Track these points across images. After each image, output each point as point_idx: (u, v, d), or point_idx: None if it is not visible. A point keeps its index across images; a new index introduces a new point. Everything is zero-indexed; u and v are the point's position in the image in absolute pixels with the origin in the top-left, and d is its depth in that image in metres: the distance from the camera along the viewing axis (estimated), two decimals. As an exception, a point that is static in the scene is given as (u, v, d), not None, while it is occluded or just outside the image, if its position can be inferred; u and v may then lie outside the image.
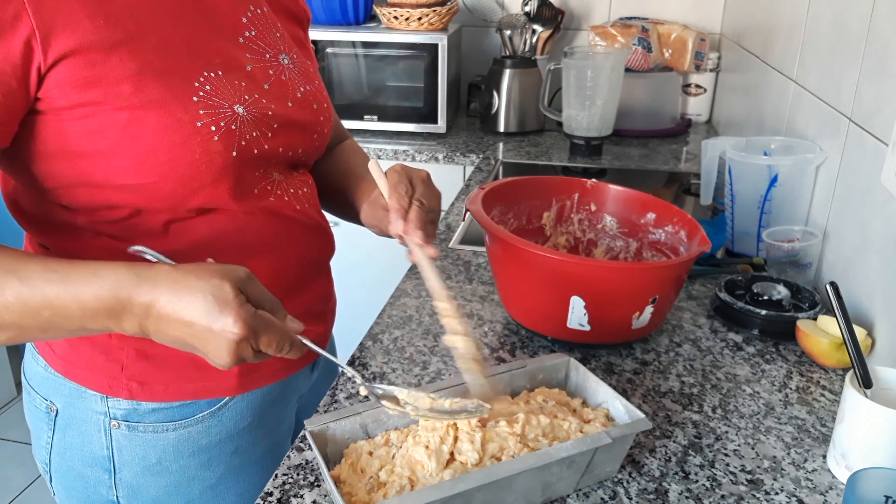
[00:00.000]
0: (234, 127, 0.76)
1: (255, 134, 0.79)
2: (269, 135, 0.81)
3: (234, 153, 0.77)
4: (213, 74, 0.76)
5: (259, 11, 0.85)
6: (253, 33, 0.83)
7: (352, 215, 0.99)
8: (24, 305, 0.63)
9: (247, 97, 0.78)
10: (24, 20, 0.65)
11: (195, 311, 0.62)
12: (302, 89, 0.87)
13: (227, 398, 0.86)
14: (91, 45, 0.68)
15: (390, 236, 0.85)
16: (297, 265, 0.88)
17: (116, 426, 0.83)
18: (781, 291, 1.09)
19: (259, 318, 0.64)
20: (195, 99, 0.74)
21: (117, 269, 0.63)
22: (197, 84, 0.74)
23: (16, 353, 2.70)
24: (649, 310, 0.96)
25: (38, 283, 0.63)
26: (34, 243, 0.84)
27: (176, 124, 0.73)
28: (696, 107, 2.31)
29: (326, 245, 0.95)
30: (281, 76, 0.84)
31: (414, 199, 0.82)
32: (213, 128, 0.75)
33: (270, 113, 0.81)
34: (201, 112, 0.74)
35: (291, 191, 0.87)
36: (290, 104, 0.84)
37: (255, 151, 0.79)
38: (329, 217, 0.98)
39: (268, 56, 0.84)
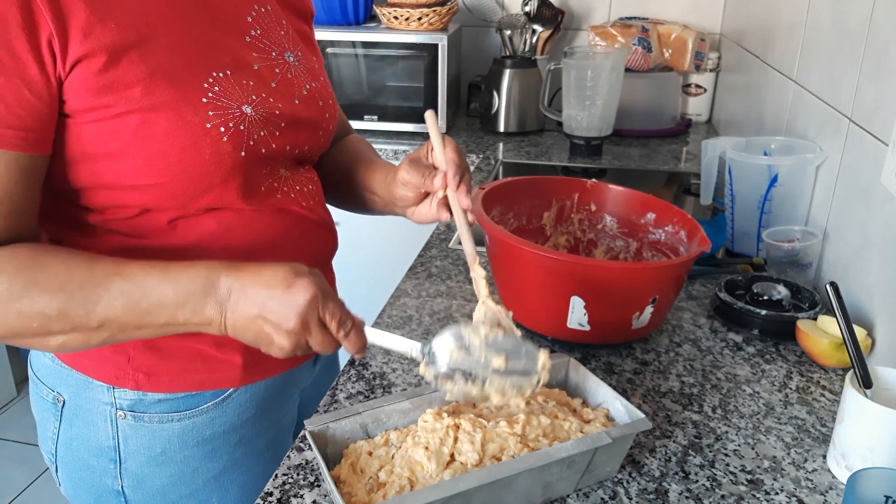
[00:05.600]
0: (242, 127, 0.77)
1: (262, 133, 0.79)
2: (277, 133, 0.82)
3: (243, 153, 0.77)
4: (221, 74, 0.76)
5: (263, 10, 0.85)
6: (258, 32, 0.83)
7: (359, 200, 0.99)
8: (127, 299, 0.69)
9: (254, 97, 0.79)
10: (44, 27, 0.66)
11: (273, 277, 0.69)
12: (308, 86, 0.87)
13: (231, 390, 0.87)
14: (103, 49, 0.69)
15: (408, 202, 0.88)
16: (302, 261, 0.88)
17: (122, 416, 0.84)
18: (781, 291, 1.09)
19: (328, 287, 0.70)
20: (204, 100, 0.74)
21: (211, 260, 0.72)
22: (206, 85, 0.75)
23: (16, 353, 2.70)
24: (649, 310, 0.96)
25: (140, 276, 0.70)
26: (45, 240, 0.84)
27: (185, 126, 0.73)
28: (696, 107, 2.31)
29: (331, 241, 0.95)
30: (287, 74, 0.85)
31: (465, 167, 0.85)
32: (223, 129, 0.75)
33: (278, 112, 0.81)
34: (210, 113, 0.74)
35: (297, 188, 0.87)
36: (296, 101, 0.85)
37: (263, 151, 0.80)
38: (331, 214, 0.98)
39: (274, 54, 0.84)
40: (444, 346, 0.73)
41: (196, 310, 0.70)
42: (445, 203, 0.85)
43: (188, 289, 0.69)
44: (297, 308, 0.68)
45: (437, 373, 0.73)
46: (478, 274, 0.78)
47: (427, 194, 0.88)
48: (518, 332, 0.75)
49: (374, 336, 0.73)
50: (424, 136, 2.14)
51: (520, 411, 0.77)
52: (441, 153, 0.83)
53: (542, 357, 0.74)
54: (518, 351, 0.74)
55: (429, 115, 0.86)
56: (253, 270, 0.70)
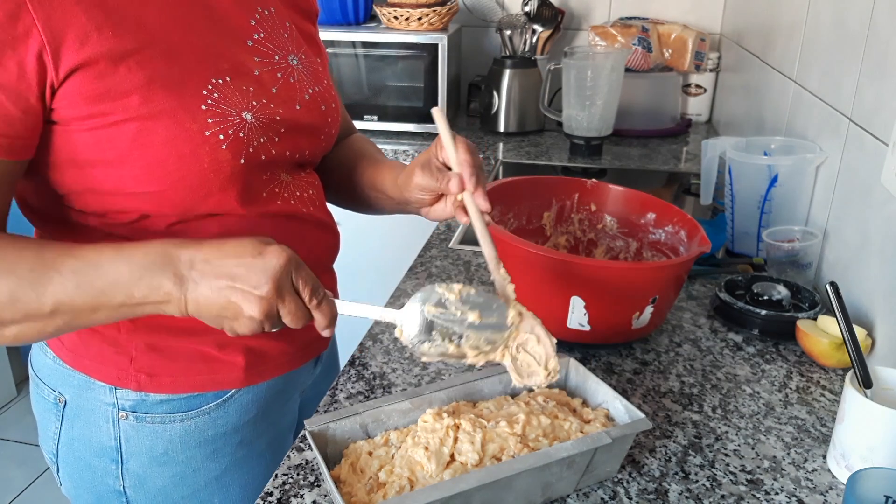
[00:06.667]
0: (242, 134, 0.76)
1: (262, 140, 0.79)
2: (277, 139, 0.81)
3: (242, 160, 0.77)
4: (220, 81, 0.75)
5: (266, 13, 0.84)
6: (261, 35, 0.82)
7: (364, 199, 0.98)
8: (79, 278, 0.67)
9: (254, 103, 0.78)
10: (35, 35, 0.65)
11: (239, 247, 0.67)
12: (310, 91, 0.87)
13: (232, 391, 0.87)
14: (100, 58, 0.68)
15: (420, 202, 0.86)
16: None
17: (124, 417, 0.84)
18: (781, 291, 1.09)
19: (298, 258, 0.69)
20: (203, 108, 0.74)
21: (165, 239, 0.70)
22: (205, 92, 0.74)
23: (16, 353, 2.70)
24: (649, 310, 0.96)
25: (92, 255, 0.68)
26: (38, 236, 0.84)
27: (184, 134, 0.73)
28: (696, 107, 2.31)
29: (332, 244, 0.95)
30: (289, 79, 0.84)
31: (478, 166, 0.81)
32: (222, 136, 0.75)
33: (278, 118, 0.80)
34: (210, 121, 0.74)
35: (298, 194, 0.87)
36: (297, 107, 0.84)
37: (263, 157, 0.79)
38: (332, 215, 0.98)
39: (277, 58, 0.83)
40: (418, 306, 0.72)
41: (153, 284, 0.67)
42: (462, 206, 0.82)
43: (143, 262, 0.67)
44: (272, 272, 0.66)
45: (413, 334, 0.72)
46: (504, 279, 0.76)
47: (443, 194, 0.85)
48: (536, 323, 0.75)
49: (347, 308, 0.72)
50: (424, 137, 2.14)
51: (520, 411, 0.78)
52: (453, 154, 0.80)
53: (511, 312, 0.74)
54: (489, 306, 0.74)
55: (436, 111, 0.81)
56: (215, 244, 0.68)
